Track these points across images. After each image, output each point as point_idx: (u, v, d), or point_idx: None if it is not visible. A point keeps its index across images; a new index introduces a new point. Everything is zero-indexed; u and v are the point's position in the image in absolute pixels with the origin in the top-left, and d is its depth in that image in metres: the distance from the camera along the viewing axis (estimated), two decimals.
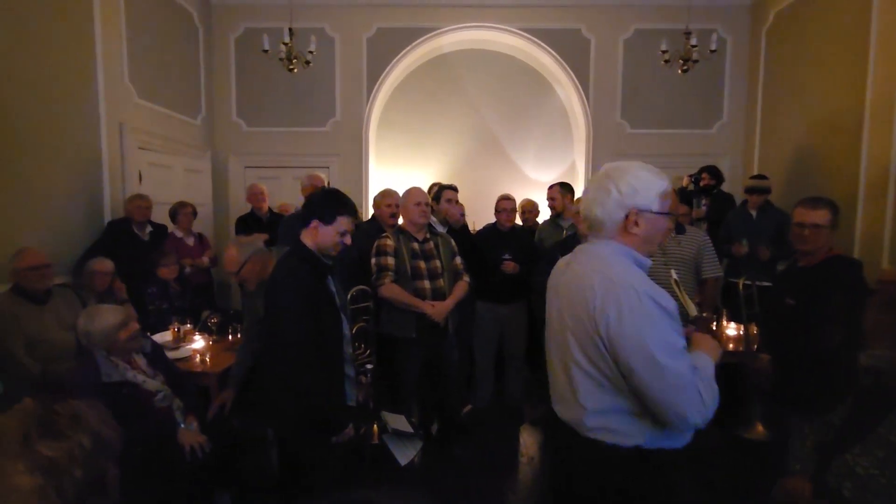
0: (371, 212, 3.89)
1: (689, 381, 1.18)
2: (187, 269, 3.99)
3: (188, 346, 3.04)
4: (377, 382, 3.04)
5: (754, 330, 2.93)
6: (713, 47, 4.36)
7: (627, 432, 1.28)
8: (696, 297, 2.95)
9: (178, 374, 2.52)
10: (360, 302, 2.98)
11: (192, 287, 3.93)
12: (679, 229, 2.94)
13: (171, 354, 2.76)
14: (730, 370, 2.54)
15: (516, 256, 3.54)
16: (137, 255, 3.63)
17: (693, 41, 4.35)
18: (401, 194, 3.24)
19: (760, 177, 4.18)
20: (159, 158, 4.64)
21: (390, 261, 2.95)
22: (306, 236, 1.98)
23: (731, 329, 3.34)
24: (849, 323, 1.96)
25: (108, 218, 3.93)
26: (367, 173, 5.74)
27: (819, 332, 2.08)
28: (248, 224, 4.52)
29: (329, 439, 1.93)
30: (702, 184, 4.56)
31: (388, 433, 2.43)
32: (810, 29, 4.52)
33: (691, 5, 4.81)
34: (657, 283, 1.26)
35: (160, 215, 4.17)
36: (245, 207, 4.90)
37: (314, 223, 1.95)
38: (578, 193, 4.54)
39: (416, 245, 3.05)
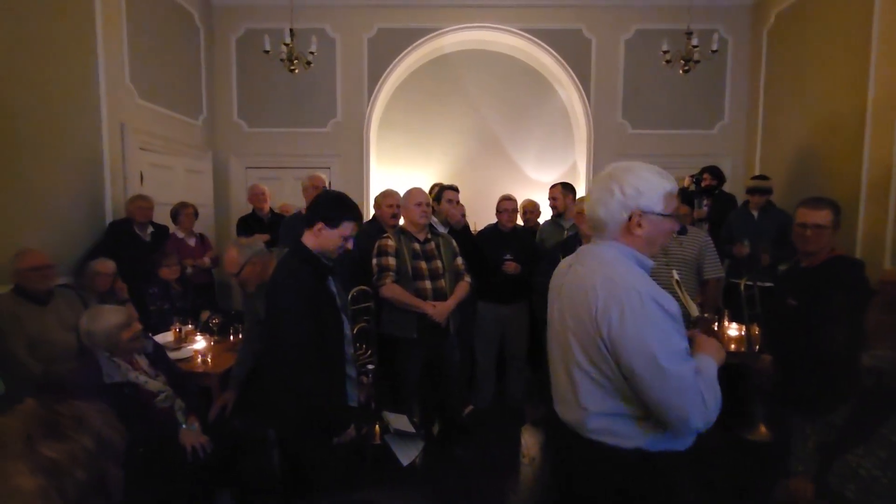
0: (372, 212, 3.89)
1: (691, 385, 1.18)
2: (189, 270, 4.00)
3: (189, 347, 3.04)
4: (378, 383, 3.04)
5: (756, 330, 2.93)
6: (714, 47, 4.36)
7: (629, 434, 1.27)
8: (697, 297, 2.95)
9: (179, 375, 2.52)
10: (362, 302, 2.97)
11: (194, 287, 3.93)
12: (681, 230, 2.94)
13: (172, 355, 2.76)
14: (731, 371, 2.54)
15: (518, 257, 3.54)
16: (139, 256, 3.63)
17: (694, 41, 4.35)
18: (402, 195, 3.24)
19: (762, 177, 4.18)
20: (160, 159, 4.64)
21: (391, 261, 2.95)
22: (308, 237, 1.98)
23: (733, 329, 3.34)
24: (851, 323, 1.95)
25: (109, 219, 3.93)
26: (368, 174, 5.74)
27: (821, 333, 2.07)
28: (249, 224, 4.52)
29: (330, 440, 1.93)
30: (703, 184, 4.55)
31: (390, 433, 2.43)
32: (811, 29, 4.52)
33: (692, 6, 4.80)
34: (658, 284, 1.26)
35: (161, 216, 4.17)
36: (246, 208, 4.90)
37: (319, 225, 1.95)
38: (580, 194, 4.54)
39: (417, 245, 3.05)
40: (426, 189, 3.83)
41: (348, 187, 5.33)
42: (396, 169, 6.18)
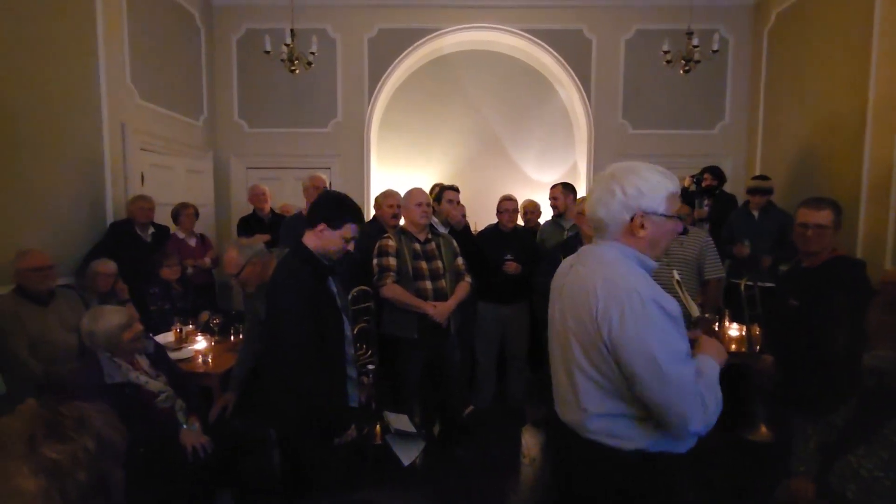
0: (372, 212, 3.89)
1: (691, 387, 1.17)
2: (189, 270, 4.00)
3: (190, 347, 3.05)
4: (379, 383, 3.04)
5: (756, 331, 2.92)
6: (715, 48, 4.36)
7: (629, 436, 1.27)
8: (698, 297, 2.95)
9: (180, 375, 2.52)
10: (362, 302, 2.97)
11: (194, 288, 3.93)
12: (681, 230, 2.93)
13: (173, 355, 2.76)
14: (732, 371, 2.54)
15: (518, 257, 3.54)
16: (140, 256, 3.63)
17: (695, 41, 4.34)
18: (402, 195, 3.24)
19: (763, 177, 4.17)
20: (161, 159, 4.65)
21: (392, 261, 2.95)
22: (309, 238, 1.98)
23: (734, 330, 3.34)
24: (852, 324, 1.95)
25: (110, 219, 3.94)
26: (369, 174, 5.74)
27: (822, 333, 2.07)
28: (250, 225, 4.52)
29: (331, 440, 1.93)
30: (704, 184, 4.55)
31: (390, 434, 2.43)
32: (812, 29, 4.51)
33: (693, 6, 4.80)
34: (659, 284, 1.25)
35: (162, 216, 4.18)
36: (247, 208, 4.91)
37: (321, 226, 1.95)
38: (580, 194, 4.54)
39: (417, 246, 3.05)
40: (427, 189, 3.83)
41: (349, 187, 5.33)
42: (397, 169, 6.17)
